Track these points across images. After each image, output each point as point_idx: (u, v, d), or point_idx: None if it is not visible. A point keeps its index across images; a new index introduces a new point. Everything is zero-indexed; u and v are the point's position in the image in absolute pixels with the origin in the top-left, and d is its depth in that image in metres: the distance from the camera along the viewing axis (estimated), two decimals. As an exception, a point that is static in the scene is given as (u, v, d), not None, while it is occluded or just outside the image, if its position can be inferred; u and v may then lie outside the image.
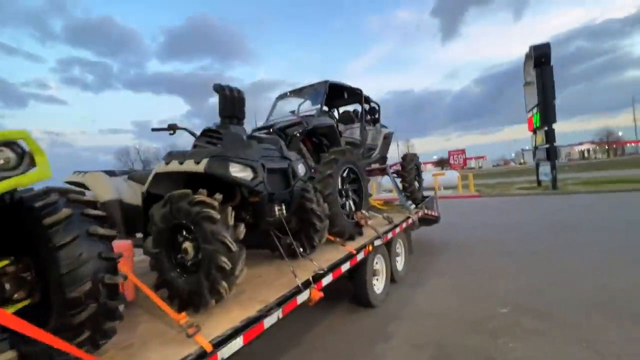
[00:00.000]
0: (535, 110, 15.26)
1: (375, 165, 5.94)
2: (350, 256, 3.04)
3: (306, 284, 2.33)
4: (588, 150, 72.28)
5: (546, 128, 14.28)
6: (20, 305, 1.43)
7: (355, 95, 5.28)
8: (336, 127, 4.27)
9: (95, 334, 1.43)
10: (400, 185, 6.00)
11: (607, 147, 69.94)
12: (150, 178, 2.36)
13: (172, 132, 2.62)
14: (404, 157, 6.32)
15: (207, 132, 2.47)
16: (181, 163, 2.15)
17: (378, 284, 3.77)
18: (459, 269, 4.75)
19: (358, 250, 3.20)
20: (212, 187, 2.15)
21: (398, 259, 4.52)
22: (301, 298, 2.23)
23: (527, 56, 15.68)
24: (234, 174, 2.09)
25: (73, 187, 1.63)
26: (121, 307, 1.56)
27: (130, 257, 2.21)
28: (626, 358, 2.34)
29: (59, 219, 1.38)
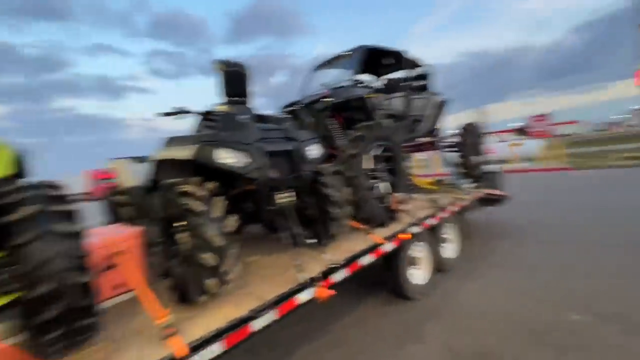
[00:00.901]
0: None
1: (425, 140, 5.25)
2: (373, 247, 2.68)
3: (314, 280, 2.09)
4: None
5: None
6: (9, 298, 1.48)
7: (398, 58, 4.60)
8: (368, 99, 3.76)
9: (69, 332, 1.42)
10: (457, 161, 5.24)
11: None
12: (153, 165, 2.32)
13: (181, 116, 2.53)
14: (464, 128, 5.47)
15: (207, 115, 2.30)
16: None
17: (418, 274, 3.34)
18: (525, 261, 3.98)
19: (387, 240, 2.82)
20: (217, 174, 2.00)
21: (447, 245, 3.97)
22: (303, 297, 2.00)
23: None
24: (220, 160, 1.90)
25: (51, 182, 1.61)
26: (104, 304, 1.54)
27: (138, 245, 2.22)
28: None
29: (23, 215, 1.35)
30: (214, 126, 2.16)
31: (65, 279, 1.36)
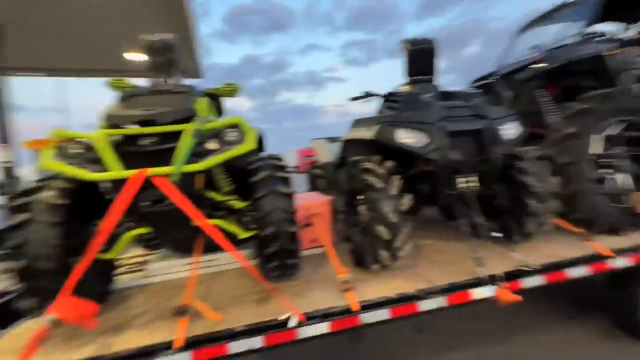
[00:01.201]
0: None
1: None
2: (592, 258, 2.01)
3: (495, 279, 1.83)
4: None
5: None
6: (250, 234, 2.15)
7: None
8: (609, 57, 2.70)
9: (281, 266, 1.93)
10: None
11: None
12: (342, 144, 2.65)
13: (368, 99, 2.75)
14: None
15: (388, 96, 2.38)
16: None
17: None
18: None
19: (619, 253, 2.05)
20: (398, 153, 2.10)
21: None
22: (480, 293, 1.80)
23: None
24: (400, 141, 1.93)
25: (277, 155, 2.16)
26: (302, 253, 1.96)
27: (328, 211, 2.66)
28: None
29: (261, 178, 1.91)
30: (396, 107, 2.21)
31: (282, 226, 1.84)
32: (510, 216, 2.25)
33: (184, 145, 1.66)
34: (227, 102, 2.72)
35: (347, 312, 1.65)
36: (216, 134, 1.81)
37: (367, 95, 2.64)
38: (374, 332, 2.79)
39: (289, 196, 1.92)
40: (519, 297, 1.76)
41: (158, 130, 1.69)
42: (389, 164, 2.00)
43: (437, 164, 1.99)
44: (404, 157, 2.16)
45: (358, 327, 1.65)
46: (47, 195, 1.69)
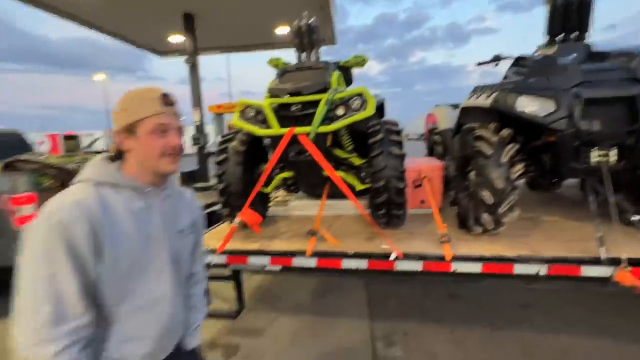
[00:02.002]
0: None
1: None
2: None
3: (615, 262, 1.71)
4: None
5: None
6: (366, 186, 2.58)
7: None
8: None
9: (388, 214, 2.31)
10: None
11: None
12: (460, 111, 2.67)
13: (496, 63, 2.62)
14: None
15: (518, 60, 2.24)
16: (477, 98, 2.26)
17: None
18: None
19: None
20: (521, 123, 2.06)
21: None
22: (593, 271, 1.72)
23: None
24: (519, 109, 1.88)
25: (392, 121, 2.44)
26: (411, 210, 2.26)
27: (439, 175, 2.81)
28: None
29: (377, 139, 2.27)
30: (523, 72, 2.10)
31: (391, 181, 2.19)
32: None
33: (319, 111, 2.17)
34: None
35: (440, 258, 1.92)
36: (344, 102, 2.24)
37: (496, 59, 2.53)
38: (481, 300, 2.93)
39: (400, 157, 2.23)
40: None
41: (302, 99, 2.25)
42: (505, 132, 2.00)
43: (563, 135, 1.86)
44: (527, 127, 2.09)
45: (449, 274, 1.91)
46: (235, 144, 2.54)
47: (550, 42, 2.17)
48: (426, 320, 2.59)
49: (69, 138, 12.60)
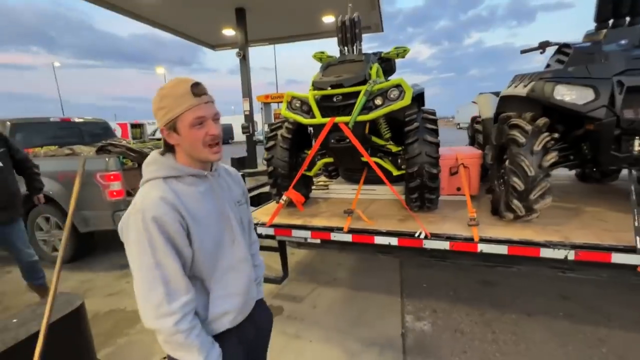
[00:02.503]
0: None
1: None
2: None
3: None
4: None
5: None
6: (401, 172, 2.74)
7: None
8: None
9: (421, 198, 2.47)
10: None
11: None
12: (500, 100, 2.68)
13: (542, 51, 2.58)
14: None
15: (562, 48, 2.21)
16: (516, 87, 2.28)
17: None
18: None
19: None
20: (560, 112, 2.08)
21: None
22: (623, 258, 1.74)
23: None
24: (557, 97, 1.90)
25: (429, 110, 2.55)
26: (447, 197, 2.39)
27: (476, 163, 2.87)
28: None
29: (413, 128, 2.42)
30: (564, 60, 2.08)
31: (425, 167, 2.34)
32: None
33: (359, 101, 2.37)
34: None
35: (467, 239, 2.05)
36: (382, 93, 2.41)
37: (542, 46, 2.49)
38: (516, 288, 2.99)
39: (434, 144, 2.37)
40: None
41: (343, 91, 2.46)
42: (542, 121, 2.03)
43: (602, 124, 1.85)
44: (568, 116, 2.08)
45: (476, 255, 2.04)
46: (282, 131, 2.86)
47: (600, 28, 2.11)
48: (457, 301, 2.73)
49: (135, 127, 14.15)
